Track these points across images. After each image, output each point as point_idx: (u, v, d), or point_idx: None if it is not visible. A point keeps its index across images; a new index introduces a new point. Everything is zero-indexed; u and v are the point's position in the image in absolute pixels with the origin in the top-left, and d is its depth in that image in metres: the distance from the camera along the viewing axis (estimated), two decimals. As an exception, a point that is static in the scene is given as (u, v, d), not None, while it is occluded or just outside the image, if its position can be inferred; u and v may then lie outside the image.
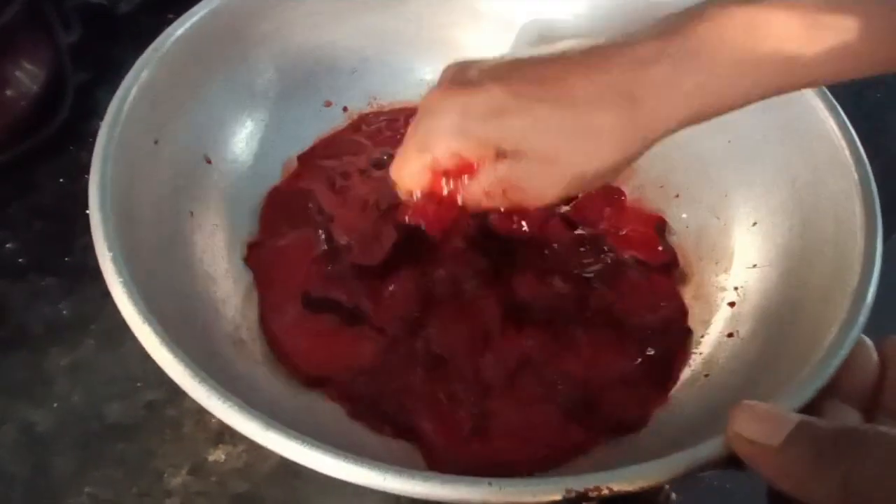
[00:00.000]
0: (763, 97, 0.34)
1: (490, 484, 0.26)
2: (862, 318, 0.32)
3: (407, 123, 0.47)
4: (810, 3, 0.31)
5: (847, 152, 0.39)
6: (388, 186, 0.44)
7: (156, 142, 0.40)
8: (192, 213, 0.42)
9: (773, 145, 0.44)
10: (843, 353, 0.31)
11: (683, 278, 0.45)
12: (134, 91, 0.38)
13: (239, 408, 0.28)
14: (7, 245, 0.47)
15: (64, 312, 0.44)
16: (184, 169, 0.42)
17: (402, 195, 0.38)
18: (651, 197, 0.48)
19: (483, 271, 0.42)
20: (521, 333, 0.40)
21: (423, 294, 0.41)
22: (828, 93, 0.42)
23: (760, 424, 0.25)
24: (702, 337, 0.41)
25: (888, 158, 0.59)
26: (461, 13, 0.51)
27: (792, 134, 0.43)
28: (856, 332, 0.32)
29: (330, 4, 0.49)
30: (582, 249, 0.44)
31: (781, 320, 0.38)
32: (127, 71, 0.40)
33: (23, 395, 0.41)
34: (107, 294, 0.44)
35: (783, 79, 0.33)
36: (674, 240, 0.46)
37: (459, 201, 0.36)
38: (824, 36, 0.31)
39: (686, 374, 0.40)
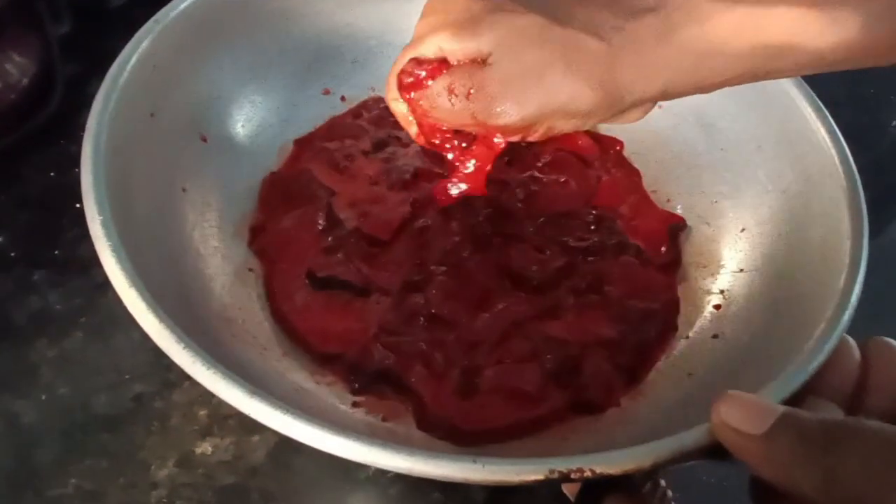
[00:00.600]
0: (752, 76, 0.34)
1: (474, 461, 0.26)
2: (847, 316, 0.33)
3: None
4: None
5: (837, 161, 0.40)
6: (395, 163, 0.46)
7: (152, 114, 0.40)
8: (184, 189, 0.42)
9: (766, 155, 0.44)
10: (829, 347, 0.31)
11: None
12: (133, 61, 0.38)
13: (223, 374, 0.28)
14: (-4, 237, 0.47)
15: (52, 305, 0.44)
16: (179, 144, 0.42)
17: (399, 118, 0.39)
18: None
19: (482, 239, 0.43)
20: (514, 297, 0.41)
21: (422, 260, 0.42)
22: (819, 102, 0.42)
23: (745, 413, 0.25)
24: (686, 337, 0.42)
25: (881, 153, 0.60)
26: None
27: (784, 144, 0.43)
28: (841, 329, 0.32)
29: (336, -7, 0.49)
30: (592, 228, 0.45)
31: (767, 322, 0.39)
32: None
33: (8, 387, 0.41)
34: (97, 287, 0.45)
35: (778, 60, 0.33)
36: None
37: (416, 104, 0.37)
38: (831, 22, 0.31)
39: (670, 373, 0.40)
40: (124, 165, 0.36)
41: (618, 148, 0.50)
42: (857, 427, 0.23)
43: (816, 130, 0.41)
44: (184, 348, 0.29)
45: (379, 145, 0.48)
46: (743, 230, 0.44)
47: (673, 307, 0.43)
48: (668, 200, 0.48)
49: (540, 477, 0.26)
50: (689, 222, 0.46)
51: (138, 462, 0.39)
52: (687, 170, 0.48)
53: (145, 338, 0.43)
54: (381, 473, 0.40)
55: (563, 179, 0.47)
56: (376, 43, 0.52)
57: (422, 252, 0.43)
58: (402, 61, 0.37)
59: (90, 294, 0.44)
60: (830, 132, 0.41)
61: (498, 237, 0.44)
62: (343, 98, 0.51)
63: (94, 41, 0.53)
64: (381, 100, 0.51)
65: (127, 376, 0.42)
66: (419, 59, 0.36)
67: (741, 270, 0.43)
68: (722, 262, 0.44)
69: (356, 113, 0.51)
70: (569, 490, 0.30)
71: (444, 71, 0.36)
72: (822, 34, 0.31)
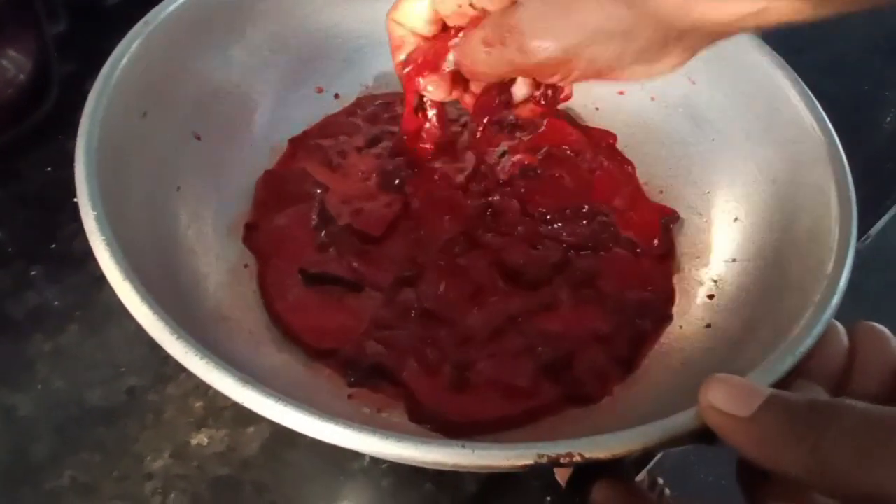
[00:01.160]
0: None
1: (463, 446, 0.26)
2: (835, 301, 0.33)
3: (403, 107, 0.47)
4: None
5: (825, 147, 0.40)
6: (389, 159, 0.46)
7: (144, 114, 0.40)
8: (178, 188, 0.42)
9: (756, 144, 0.44)
10: (817, 332, 0.31)
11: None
12: (124, 61, 0.39)
13: (216, 364, 0.28)
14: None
15: (49, 300, 0.45)
16: (173, 143, 0.42)
17: (392, 40, 0.40)
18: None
19: (475, 234, 0.44)
20: (508, 292, 0.42)
21: (414, 256, 0.43)
22: (806, 89, 0.42)
23: (732, 396, 0.25)
24: (679, 327, 0.42)
25: (874, 150, 0.60)
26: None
27: (773, 133, 0.43)
28: (829, 314, 0.32)
29: (326, -9, 0.49)
30: (585, 222, 0.45)
31: (758, 310, 0.39)
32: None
33: (4, 381, 0.41)
34: (92, 282, 0.45)
35: None
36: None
37: (449, 60, 0.37)
38: None
39: (662, 361, 0.40)
40: (117, 164, 0.36)
41: (610, 141, 0.50)
42: (842, 406, 0.23)
43: (803, 117, 0.41)
44: (177, 339, 0.29)
45: (373, 141, 0.49)
46: (735, 220, 0.44)
47: (668, 297, 0.43)
48: (661, 192, 0.48)
49: (529, 462, 0.27)
50: (681, 213, 0.47)
51: (133, 454, 0.39)
52: (678, 161, 0.48)
53: (140, 332, 0.43)
54: (374, 465, 0.40)
55: (557, 175, 0.48)
56: (366, 41, 0.52)
57: (414, 248, 0.43)
58: (411, 17, 0.38)
59: (86, 289, 0.45)
60: (817, 118, 0.41)
61: (491, 233, 0.44)
62: (337, 96, 0.52)
63: (90, 40, 0.53)
64: (375, 97, 0.52)
65: (122, 370, 0.42)
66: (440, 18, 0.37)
67: (733, 260, 0.43)
68: (714, 253, 0.44)
69: (350, 111, 0.51)
70: (561, 477, 0.30)
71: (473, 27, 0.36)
72: None
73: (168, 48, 0.42)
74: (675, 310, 0.43)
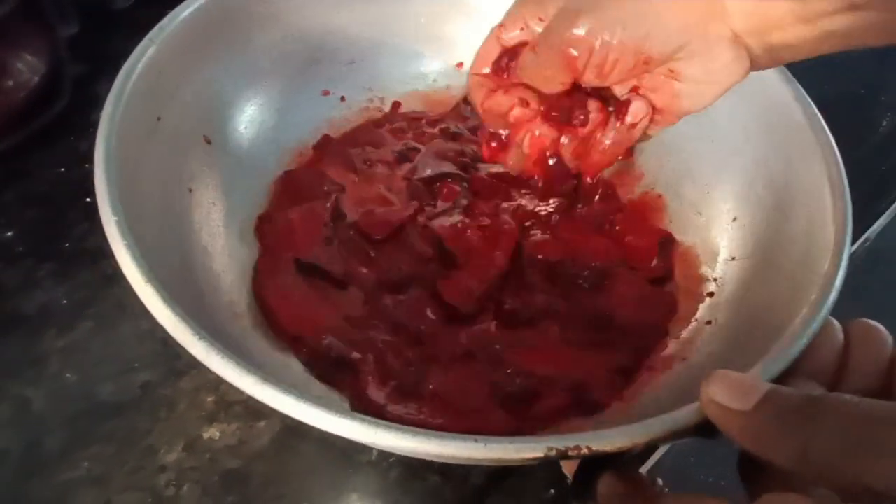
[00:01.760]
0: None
1: (476, 440, 0.27)
2: (830, 299, 0.34)
3: (429, 124, 0.50)
4: None
5: (818, 146, 0.41)
6: (415, 171, 0.48)
7: (159, 118, 0.41)
8: (191, 190, 0.43)
9: (753, 144, 0.45)
10: (812, 330, 0.32)
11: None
12: (139, 67, 0.39)
13: (237, 363, 0.29)
14: (4, 233, 0.48)
15: (60, 297, 0.45)
16: (184, 147, 0.43)
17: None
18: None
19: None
20: (491, 323, 0.42)
21: (404, 266, 0.43)
22: (805, 95, 0.43)
23: (732, 391, 0.26)
24: (682, 329, 0.43)
25: (871, 153, 0.61)
26: (460, 9, 0.53)
27: (770, 133, 0.44)
28: (824, 312, 0.33)
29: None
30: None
31: (757, 307, 0.40)
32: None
33: (19, 375, 0.42)
34: (103, 279, 0.46)
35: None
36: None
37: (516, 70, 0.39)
38: None
39: (665, 360, 0.41)
40: (134, 168, 0.37)
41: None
42: (834, 400, 0.24)
43: (799, 119, 0.42)
44: (199, 340, 0.30)
45: (402, 157, 0.50)
46: (735, 219, 0.45)
47: (669, 314, 0.44)
48: (660, 196, 0.49)
49: (539, 455, 0.27)
50: (681, 212, 0.47)
51: (146, 447, 0.40)
52: (677, 160, 0.49)
53: (151, 328, 0.44)
54: (382, 458, 0.41)
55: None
56: (370, 45, 0.53)
57: (407, 259, 0.44)
58: (489, 56, 0.39)
59: (97, 286, 0.46)
60: (813, 120, 0.42)
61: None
62: (343, 98, 0.52)
63: (101, 42, 0.55)
64: (402, 115, 0.53)
65: (135, 365, 0.43)
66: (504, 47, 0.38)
67: (733, 259, 0.44)
68: (715, 252, 0.45)
69: (378, 123, 0.52)
70: (568, 469, 0.31)
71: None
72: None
73: (181, 53, 0.43)
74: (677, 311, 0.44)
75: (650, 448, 0.41)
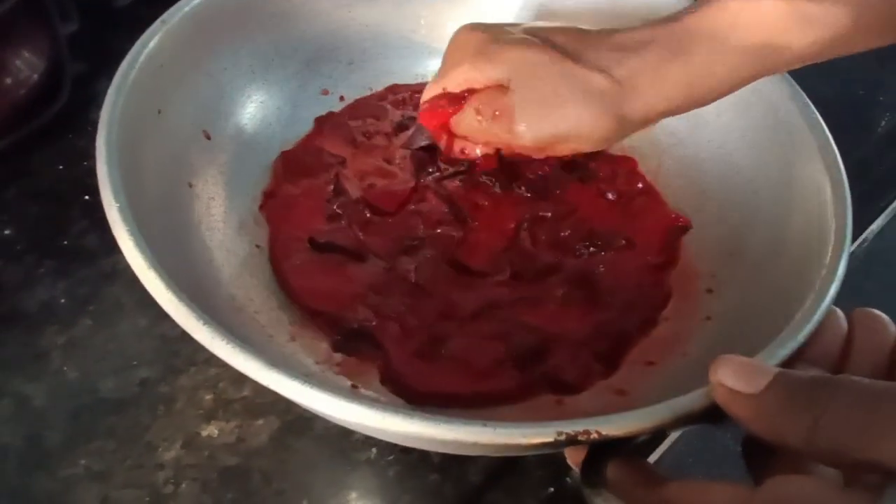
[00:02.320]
0: (744, 84, 0.38)
1: (484, 425, 0.27)
2: (833, 289, 0.34)
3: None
4: None
5: (819, 147, 0.41)
6: (411, 142, 0.49)
7: (159, 112, 0.41)
8: (190, 185, 0.43)
9: (752, 144, 0.46)
10: (817, 318, 0.32)
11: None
12: (141, 59, 0.40)
13: (241, 348, 0.29)
14: (4, 230, 0.48)
15: (60, 294, 0.45)
16: (184, 141, 0.43)
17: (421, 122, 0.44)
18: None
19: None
20: (500, 281, 0.43)
21: (418, 232, 0.44)
22: (802, 93, 0.44)
23: (741, 374, 0.26)
24: (680, 324, 0.43)
25: (869, 154, 0.61)
26: (460, 9, 0.53)
27: (770, 133, 0.45)
28: (828, 301, 0.33)
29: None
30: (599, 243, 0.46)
31: (756, 304, 0.40)
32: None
33: (20, 371, 0.42)
34: (104, 276, 0.46)
35: (768, 64, 0.37)
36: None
37: (451, 124, 0.42)
38: (811, 23, 0.35)
39: (663, 356, 0.41)
40: (134, 160, 0.37)
41: (631, 166, 0.51)
42: (841, 381, 0.24)
43: (798, 119, 0.42)
44: (203, 324, 0.30)
45: (400, 127, 0.50)
46: (734, 217, 0.45)
47: (659, 304, 0.44)
48: (660, 193, 0.49)
49: (549, 439, 0.27)
50: (681, 213, 0.48)
51: (145, 444, 0.40)
52: (676, 161, 0.49)
53: (151, 326, 0.44)
54: (381, 455, 0.41)
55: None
56: (371, 45, 0.53)
57: (420, 226, 0.45)
58: (431, 93, 0.42)
59: (97, 283, 0.46)
60: (811, 120, 0.42)
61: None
62: (342, 98, 0.52)
63: (101, 40, 0.55)
64: (405, 86, 0.54)
65: (134, 362, 0.43)
66: (447, 92, 0.41)
67: (731, 255, 0.44)
68: (713, 248, 0.45)
69: (381, 95, 0.53)
70: (572, 460, 0.31)
71: (472, 96, 0.41)
72: (802, 31, 0.36)
73: (182, 47, 0.43)
74: (673, 307, 0.44)
75: (655, 439, 0.41)
